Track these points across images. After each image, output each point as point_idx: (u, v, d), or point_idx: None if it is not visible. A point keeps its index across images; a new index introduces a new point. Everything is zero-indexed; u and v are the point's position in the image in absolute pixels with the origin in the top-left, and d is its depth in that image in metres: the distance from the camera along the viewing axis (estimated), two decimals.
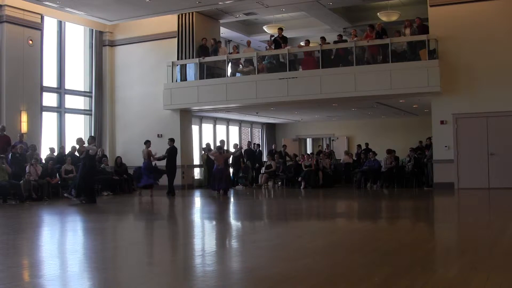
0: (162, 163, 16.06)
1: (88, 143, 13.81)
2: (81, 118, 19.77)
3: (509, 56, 15.26)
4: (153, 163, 15.78)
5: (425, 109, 18.53)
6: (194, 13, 18.53)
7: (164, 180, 15.95)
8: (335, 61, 17.08)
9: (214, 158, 15.80)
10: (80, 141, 14.03)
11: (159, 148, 16.29)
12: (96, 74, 19.65)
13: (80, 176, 13.57)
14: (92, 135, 17.17)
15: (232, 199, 15.23)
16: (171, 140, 16.08)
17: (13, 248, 7.28)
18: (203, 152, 19.68)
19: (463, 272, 5.20)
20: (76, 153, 15.26)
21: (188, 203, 14.23)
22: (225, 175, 15.70)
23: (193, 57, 18.69)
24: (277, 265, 5.71)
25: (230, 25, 21.07)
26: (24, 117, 16.60)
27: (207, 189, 17.49)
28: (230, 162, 20.31)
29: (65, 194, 14.48)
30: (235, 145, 20.95)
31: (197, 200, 15.12)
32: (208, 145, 19.48)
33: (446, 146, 15.88)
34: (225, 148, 18.61)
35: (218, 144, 18.23)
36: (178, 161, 16.56)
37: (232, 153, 18.95)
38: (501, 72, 15.30)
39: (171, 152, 15.90)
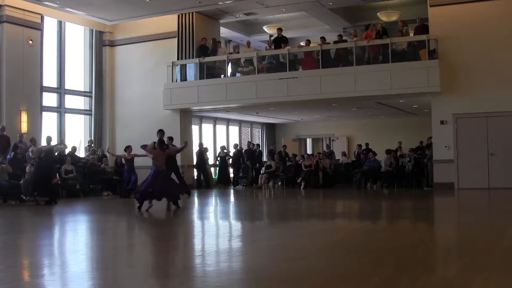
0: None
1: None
2: (81, 118, 19.78)
3: (509, 56, 15.26)
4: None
5: (425, 109, 18.52)
6: (194, 13, 18.53)
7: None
8: (335, 61, 17.08)
9: (152, 156, 11.40)
10: (32, 140, 14.08)
11: None
12: (96, 74, 19.65)
13: (37, 176, 13.22)
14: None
15: (233, 199, 15.17)
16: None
17: (13, 248, 7.27)
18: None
19: (463, 272, 5.20)
20: (30, 154, 13.90)
21: (187, 203, 14.20)
22: (170, 182, 11.94)
23: (193, 57, 18.69)
24: (277, 265, 5.71)
25: (230, 25, 21.07)
26: (24, 117, 16.60)
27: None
28: (230, 162, 20.35)
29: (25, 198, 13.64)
30: (235, 145, 20.93)
31: (196, 200, 15.10)
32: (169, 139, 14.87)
33: (446, 146, 15.88)
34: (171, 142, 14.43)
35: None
36: (178, 161, 15.85)
37: (179, 149, 13.35)
38: (501, 72, 15.29)
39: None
